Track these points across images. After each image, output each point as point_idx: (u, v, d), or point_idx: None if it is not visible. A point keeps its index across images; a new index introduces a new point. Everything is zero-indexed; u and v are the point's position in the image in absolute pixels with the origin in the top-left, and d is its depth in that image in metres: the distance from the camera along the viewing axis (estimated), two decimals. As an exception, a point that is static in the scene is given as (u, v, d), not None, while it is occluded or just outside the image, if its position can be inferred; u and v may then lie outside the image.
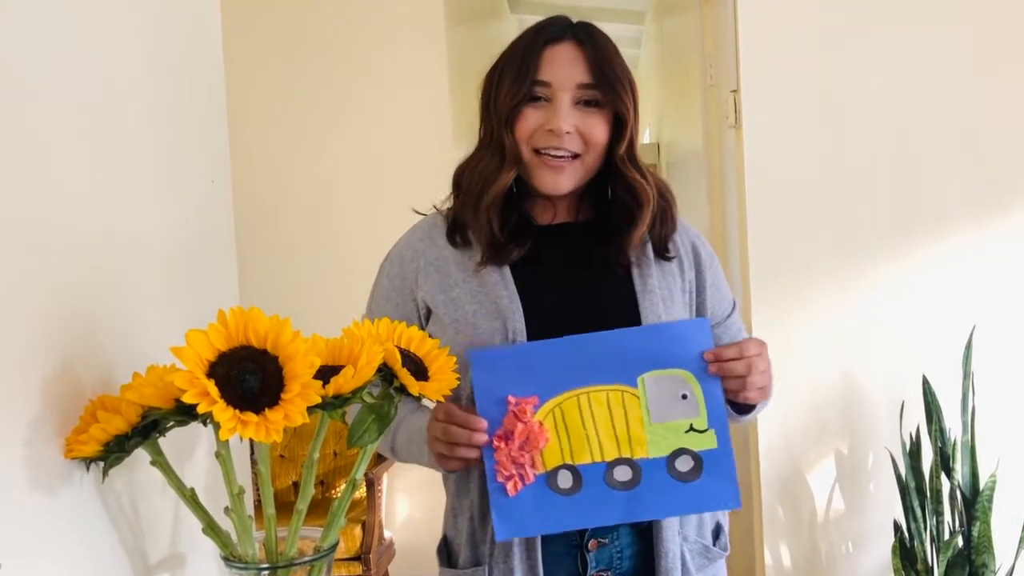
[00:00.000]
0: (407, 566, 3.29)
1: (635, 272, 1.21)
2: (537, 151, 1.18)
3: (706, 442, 1.07)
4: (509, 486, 1.06)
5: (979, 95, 2.53)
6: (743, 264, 2.61)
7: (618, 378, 1.07)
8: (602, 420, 1.07)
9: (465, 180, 1.23)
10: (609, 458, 1.07)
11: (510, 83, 1.18)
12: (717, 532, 1.27)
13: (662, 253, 1.24)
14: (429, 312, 1.22)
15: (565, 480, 1.07)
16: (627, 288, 1.20)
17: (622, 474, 1.07)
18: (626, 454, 1.07)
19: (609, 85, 1.16)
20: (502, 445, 1.06)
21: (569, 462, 1.07)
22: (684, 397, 1.08)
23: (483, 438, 1.06)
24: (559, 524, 1.08)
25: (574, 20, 1.23)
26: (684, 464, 1.07)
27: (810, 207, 2.54)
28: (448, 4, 3.40)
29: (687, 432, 1.07)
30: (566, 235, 1.25)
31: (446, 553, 1.25)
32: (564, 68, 1.17)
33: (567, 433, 1.07)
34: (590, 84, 1.17)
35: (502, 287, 1.18)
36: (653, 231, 1.23)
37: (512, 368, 1.08)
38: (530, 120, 1.17)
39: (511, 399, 1.06)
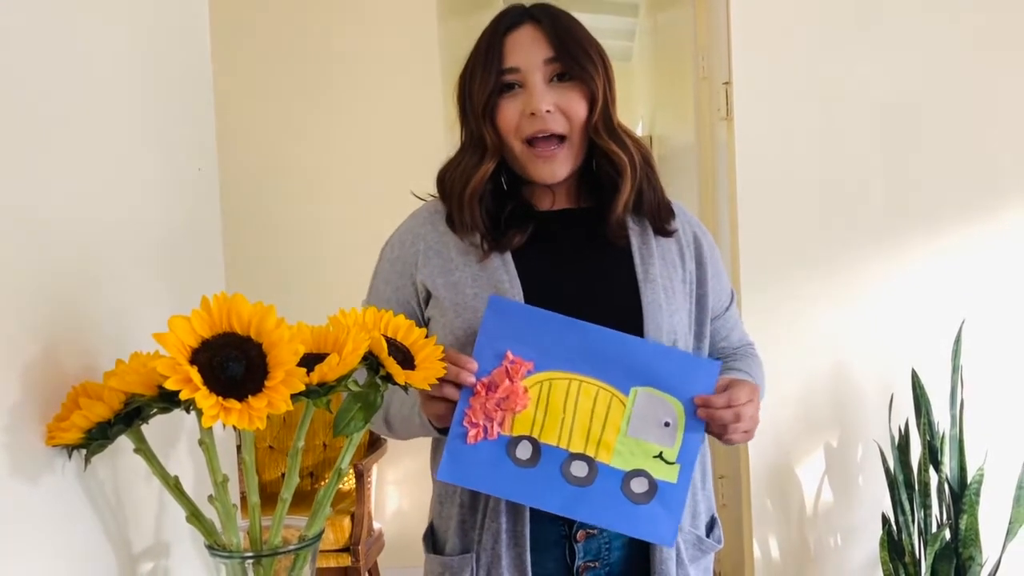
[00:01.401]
0: (396, 557, 3.29)
1: (637, 261, 1.21)
2: (527, 142, 1.18)
3: (668, 474, 1.08)
4: (471, 434, 1.06)
5: (972, 89, 2.54)
6: (734, 256, 2.61)
7: (615, 380, 1.07)
8: (582, 412, 1.07)
9: (447, 181, 1.23)
10: (574, 449, 1.07)
11: (480, 78, 1.18)
12: (711, 525, 1.27)
13: (661, 229, 1.24)
14: (428, 296, 1.22)
15: (524, 451, 1.07)
16: (629, 277, 1.20)
17: (579, 469, 1.07)
18: (590, 453, 1.07)
19: (572, 57, 1.17)
20: (481, 393, 1.06)
21: (535, 436, 1.07)
22: (666, 425, 1.08)
23: (470, 379, 1.06)
24: (500, 489, 1.08)
25: (528, 4, 1.23)
26: (639, 485, 1.07)
27: (801, 200, 2.55)
28: (440, -6, 3.39)
29: (655, 457, 1.08)
30: (567, 221, 1.25)
31: (432, 540, 1.25)
32: (528, 49, 1.18)
33: (546, 409, 1.07)
34: (554, 57, 1.17)
35: (503, 271, 1.18)
36: (644, 203, 1.23)
37: (524, 327, 1.08)
38: (509, 111, 1.18)
39: (509, 355, 1.07)
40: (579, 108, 1.18)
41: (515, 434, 1.07)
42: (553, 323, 1.08)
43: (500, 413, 1.06)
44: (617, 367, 1.07)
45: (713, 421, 1.09)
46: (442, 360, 1.03)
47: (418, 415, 1.15)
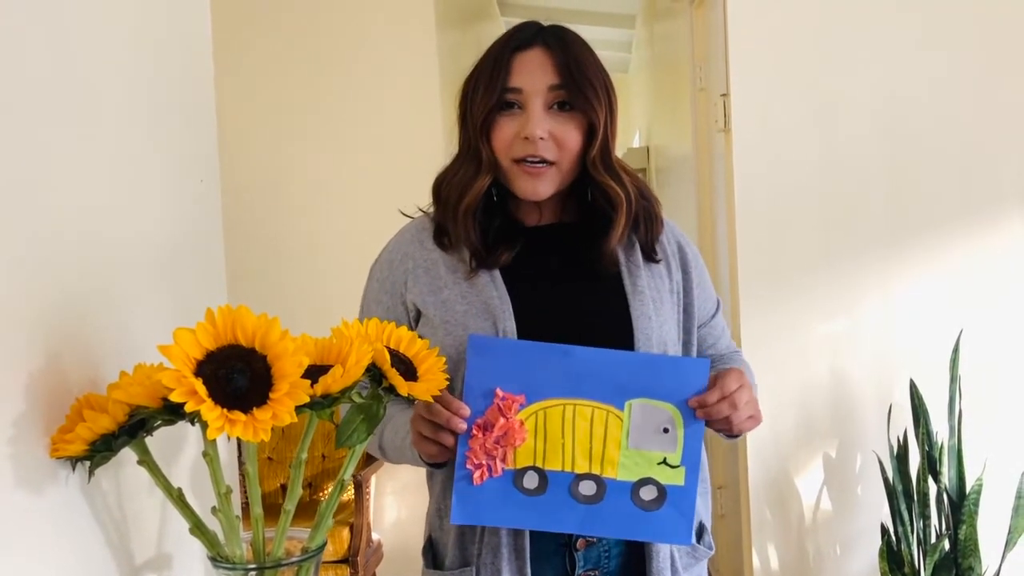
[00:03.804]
0: (395, 569, 3.28)
1: (624, 273, 1.21)
2: (515, 160, 1.18)
3: (674, 477, 1.09)
4: (476, 475, 1.07)
5: (969, 102, 2.55)
6: (732, 267, 2.62)
7: (608, 397, 1.08)
8: (581, 434, 1.08)
9: (443, 190, 1.23)
10: (579, 471, 1.08)
11: (483, 92, 1.18)
12: (700, 532, 1.28)
13: (650, 255, 1.24)
14: (419, 314, 1.22)
15: (531, 481, 1.08)
16: (617, 289, 1.21)
17: (587, 488, 1.08)
18: (595, 471, 1.08)
19: (577, 88, 1.16)
20: (479, 434, 1.07)
21: (539, 465, 1.08)
22: (665, 431, 1.08)
23: (462, 425, 1.06)
24: (515, 521, 1.10)
25: (545, 24, 1.23)
26: (648, 493, 1.09)
27: (799, 211, 2.56)
28: (439, 6, 3.41)
29: (659, 464, 1.09)
30: (554, 236, 1.25)
31: (431, 554, 1.25)
32: (534, 73, 1.17)
33: (544, 438, 1.08)
34: (559, 85, 1.17)
35: (492, 288, 1.18)
36: (639, 233, 1.24)
37: (508, 362, 1.08)
38: (505, 130, 1.18)
39: (499, 392, 1.07)
40: (574, 139, 1.18)
41: (519, 467, 1.08)
42: (536, 352, 1.09)
43: (500, 450, 1.07)
44: (607, 384, 1.08)
45: (712, 418, 1.09)
46: (437, 403, 1.04)
47: (409, 449, 1.15)
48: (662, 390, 1.08)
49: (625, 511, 1.08)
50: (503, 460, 1.07)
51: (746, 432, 1.15)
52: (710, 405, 1.08)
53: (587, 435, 1.08)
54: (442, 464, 1.14)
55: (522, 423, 1.07)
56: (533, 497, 1.08)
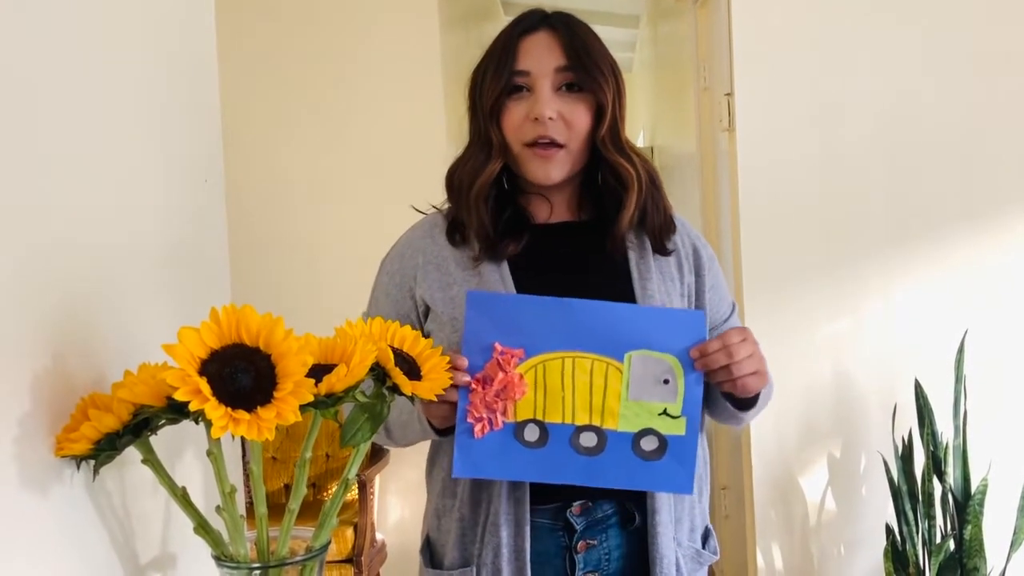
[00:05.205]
0: (398, 568, 3.28)
1: (635, 275, 1.21)
2: (526, 144, 1.19)
3: (675, 428, 1.09)
4: (477, 428, 1.07)
5: (973, 100, 2.55)
6: (736, 267, 2.61)
7: (607, 350, 1.08)
8: (581, 387, 1.08)
9: (456, 177, 1.24)
10: (579, 423, 1.08)
11: (491, 77, 1.19)
12: (706, 536, 1.27)
13: (661, 248, 1.24)
14: (428, 309, 1.22)
15: (532, 433, 1.08)
16: (627, 292, 1.20)
17: (587, 440, 1.09)
18: (596, 423, 1.09)
19: (584, 68, 1.17)
20: (478, 388, 1.07)
21: (539, 418, 1.08)
22: (666, 382, 1.09)
23: (465, 378, 1.06)
24: (516, 473, 1.10)
25: (550, 11, 1.24)
26: (649, 444, 1.09)
27: (803, 210, 2.55)
28: (442, 6, 3.41)
29: (660, 415, 1.09)
30: (566, 233, 1.25)
31: (429, 553, 1.25)
32: (541, 55, 1.18)
33: (544, 391, 1.08)
34: (566, 67, 1.17)
35: (501, 285, 1.18)
36: (647, 221, 1.23)
37: (506, 316, 1.08)
38: (515, 113, 1.19)
39: (498, 347, 1.07)
40: (583, 119, 1.18)
41: (519, 420, 1.08)
42: (534, 305, 1.09)
43: (501, 403, 1.07)
44: (606, 336, 1.08)
45: (710, 367, 1.08)
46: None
47: (418, 420, 1.16)
48: (661, 341, 1.09)
49: (626, 462, 1.09)
50: (503, 413, 1.08)
51: (751, 390, 1.12)
52: (709, 353, 1.07)
53: (587, 387, 1.08)
54: (451, 431, 1.14)
55: (522, 376, 1.07)
56: (534, 450, 1.08)
